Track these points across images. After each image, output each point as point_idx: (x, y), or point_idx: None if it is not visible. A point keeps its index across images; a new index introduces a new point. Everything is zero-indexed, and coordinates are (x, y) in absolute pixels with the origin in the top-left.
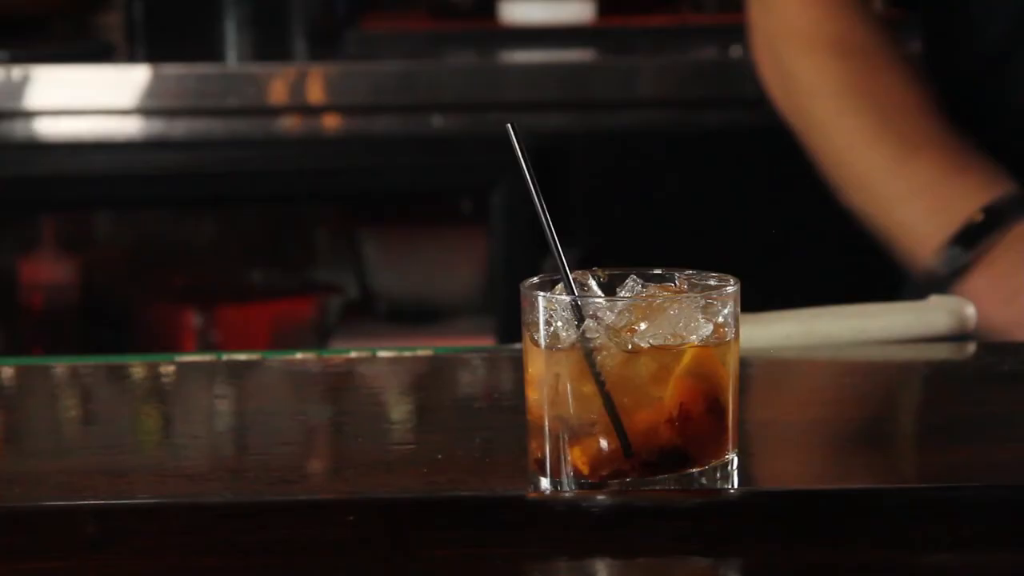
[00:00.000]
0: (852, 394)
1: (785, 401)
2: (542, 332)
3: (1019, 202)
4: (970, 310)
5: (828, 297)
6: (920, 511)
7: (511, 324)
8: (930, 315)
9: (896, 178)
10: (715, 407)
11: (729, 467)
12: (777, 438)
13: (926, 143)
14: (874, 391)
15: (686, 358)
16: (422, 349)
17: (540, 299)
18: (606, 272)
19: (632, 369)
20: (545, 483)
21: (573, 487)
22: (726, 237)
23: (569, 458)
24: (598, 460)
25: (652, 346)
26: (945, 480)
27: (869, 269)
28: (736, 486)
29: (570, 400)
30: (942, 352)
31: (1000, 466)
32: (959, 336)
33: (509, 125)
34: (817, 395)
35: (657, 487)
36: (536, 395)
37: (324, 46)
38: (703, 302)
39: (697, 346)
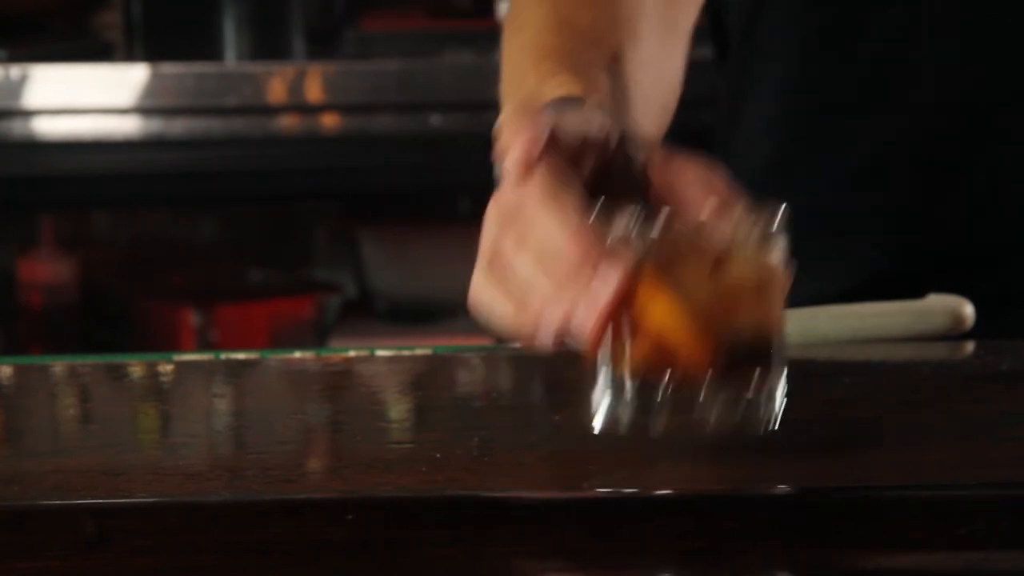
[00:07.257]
0: (851, 394)
1: (784, 401)
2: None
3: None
4: (968, 309)
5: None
6: (919, 510)
7: None
8: (928, 314)
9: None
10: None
11: (776, 394)
12: (776, 437)
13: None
14: (873, 390)
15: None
16: (421, 348)
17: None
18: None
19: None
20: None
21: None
22: None
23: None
24: (662, 360)
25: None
26: (943, 479)
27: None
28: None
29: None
30: (940, 351)
31: (999, 465)
32: (957, 335)
33: None
34: (816, 395)
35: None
36: None
37: (322, 45)
38: (766, 230)
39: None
